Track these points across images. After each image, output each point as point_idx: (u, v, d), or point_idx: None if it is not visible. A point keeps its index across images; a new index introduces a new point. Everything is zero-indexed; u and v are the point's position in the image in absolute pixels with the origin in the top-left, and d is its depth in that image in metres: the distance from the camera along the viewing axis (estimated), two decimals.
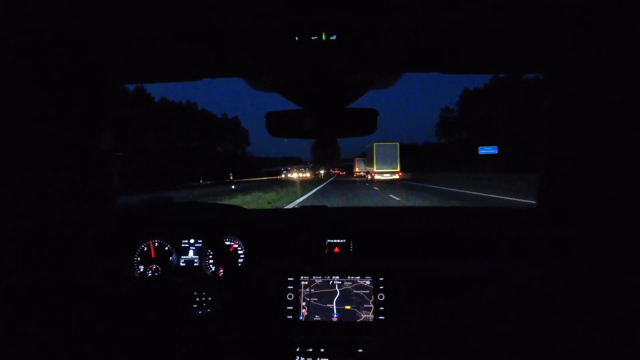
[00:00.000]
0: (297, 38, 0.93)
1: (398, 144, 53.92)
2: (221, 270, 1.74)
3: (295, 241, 1.73)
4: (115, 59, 1.10)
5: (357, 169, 75.67)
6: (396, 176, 50.15)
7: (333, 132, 1.37)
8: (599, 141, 0.38)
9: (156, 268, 1.74)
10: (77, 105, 0.62)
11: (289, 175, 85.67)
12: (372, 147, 54.37)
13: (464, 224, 1.81)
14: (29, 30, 0.61)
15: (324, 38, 0.93)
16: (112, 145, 0.68)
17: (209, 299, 1.57)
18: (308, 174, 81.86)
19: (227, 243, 1.78)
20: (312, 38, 0.93)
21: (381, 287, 1.55)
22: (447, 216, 2.00)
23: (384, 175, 50.38)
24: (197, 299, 1.57)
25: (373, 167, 52.22)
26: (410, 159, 75.56)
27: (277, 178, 77.09)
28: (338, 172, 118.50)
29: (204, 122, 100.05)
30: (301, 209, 1.96)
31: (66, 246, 0.62)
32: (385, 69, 1.16)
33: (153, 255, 1.76)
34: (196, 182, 49.24)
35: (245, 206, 2.02)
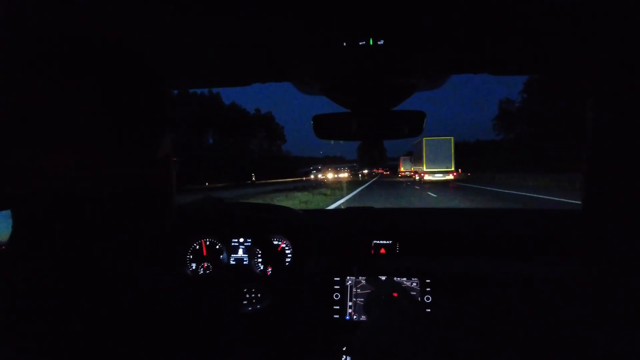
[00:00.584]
0: (345, 44, 0.96)
1: (452, 138, 42.54)
2: (269, 269, 1.80)
3: (342, 242, 1.76)
4: (172, 67, 1.17)
5: (401, 169, 71.99)
6: (450, 176, 40.12)
7: (380, 134, 1.38)
8: None
9: (207, 266, 1.82)
10: (139, 113, 0.67)
11: (320, 175, 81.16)
12: (421, 142, 43.23)
13: (512, 226, 1.77)
14: (92, 44, 0.67)
15: (371, 43, 0.95)
16: (170, 149, 0.73)
17: (258, 295, 1.63)
18: (346, 174, 78.71)
19: (275, 242, 1.83)
20: (360, 43, 0.96)
21: (428, 289, 1.55)
22: (495, 218, 1.96)
23: (436, 175, 40.18)
24: (247, 296, 1.64)
25: (422, 165, 41.73)
26: (463, 157, 63.70)
27: (304, 179, 73.18)
28: (382, 171, 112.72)
29: (232, 116, 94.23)
30: (347, 210, 1.98)
31: (128, 245, 0.67)
32: (433, 71, 1.17)
33: (205, 254, 1.84)
34: (202, 183, 44.73)
35: None
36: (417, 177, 44.03)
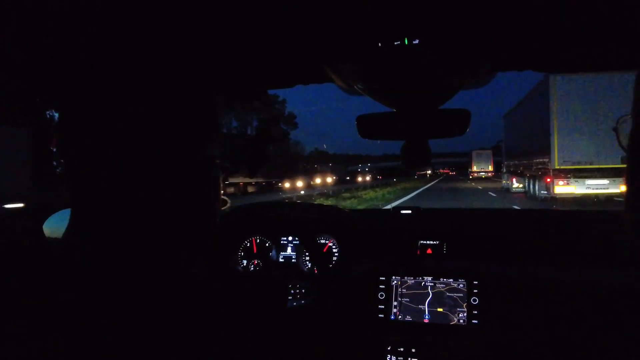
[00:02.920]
0: (380, 44, 0.98)
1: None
2: (316, 268, 1.86)
3: (388, 242, 1.79)
4: (222, 73, 1.25)
5: (474, 167, 61.61)
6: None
7: (424, 134, 1.39)
8: None
9: (257, 263, 1.91)
10: (189, 118, 0.73)
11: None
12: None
13: (561, 228, 1.75)
14: (146, 52, 0.74)
15: (406, 42, 0.97)
16: (218, 154, 0.79)
17: (303, 291, 1.70)
18: (368, 177, 61.62)
19: (322, 242, 1.89)
20: (395, 43, 0.97)
21: (475, 291, 1.54)
22: (543, 220, 1.94)
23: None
24: (292, 292, 1.71)
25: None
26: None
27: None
28: (447, 171, 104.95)
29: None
30: (394, 209, 2.02)
31: (179, 245, 0.73)
32: (477, 69, 1.18)
33: (255, 251, 1.93)
34: None
35: None
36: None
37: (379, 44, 0.99)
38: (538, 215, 2.11)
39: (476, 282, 1.55)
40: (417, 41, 0.97)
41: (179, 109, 0.68)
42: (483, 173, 61.22)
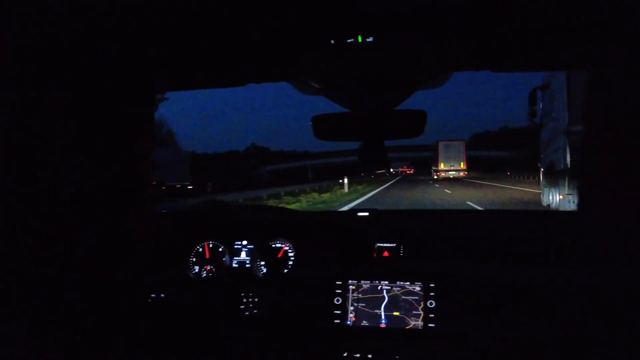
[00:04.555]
0: (332, 41, 0.99)
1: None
2: (271, 273, 1.85)
3: (344, 244, 1.79)
4: (162, 69, 1.22)
5: (441, 165, 49.79)
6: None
7: (380, 135, 1.40)
8: None
9: (210, 269, 1.88)
10: (126, 116, 0.72)
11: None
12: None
13: (517, 228, 1.78)
14: (81, 47, 0.73)
15: (360, 40, 0.98)
16: (151, 151, 0.78)
17: (256, 300, 1.69)
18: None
19: (278, 245, 1.87)
20: (348, 41, 0.98)
21: (432, 294, 1.56)
22: (498, 220, 1.99)
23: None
24: (245, 300, 1.70)
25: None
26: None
27: None
28: (405, 169, 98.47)
29: None
30: (351, 211, 2.04)
31: (110, 244, 0.72)
32: (431, 69, 1.18)
33: (208, 257, 1.89)
34: None
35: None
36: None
37: (332, 42, 0.99)
38: (495, 216, 2.16)
39: (432, 285, 1.57)
40: (370, 39, 0.98)
41: (116, 108, 0.67)
42: (453, 172, 49.15)
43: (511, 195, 20.23)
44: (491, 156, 72.40)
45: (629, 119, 0.38)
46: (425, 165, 73.49)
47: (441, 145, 50.64)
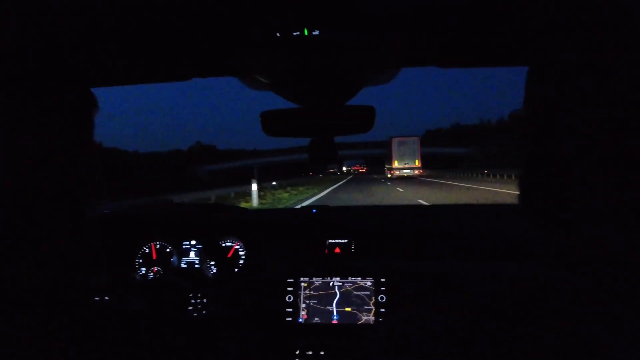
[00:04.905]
0: (278, 34, 0.97)
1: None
2: (221, 272, 1.82)
3: (296, 242, 1.79)
4: (98, 60, 1.14)
5: (395, 163, 47.05)
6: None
7: (330, 131, 1.41)
8: (581, 138, 0.39)
9: (157, 270, 1.83)
10: (60, 110, 0.69)
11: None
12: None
13: (467, 223, 1.84)
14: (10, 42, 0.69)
15: (306, 33, 0.96)
16: (94, 149, 0.75)
17: (204, 301, 1.67)
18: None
19: (228, 244, 1.84)
20: (294, 34, 0.97)
21: (382, 289, 1.58)
22: (450, 215, 2.04)
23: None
24: (193, 301, 1.67)
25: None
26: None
27: None
28: (358, 168, 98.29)
29: None
30: (302, 209, 2.04)
31: (56, 250, 0.70)
32: (379, 64, 1.19)
33: (155, 257, 1.85)
34: None
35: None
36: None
37: (277, 35, 0.98)
38: (445, 211, 2.22)
39: (383, 280, 1.59)
40: (317, 32, 0.96)
41: (50, 99, 0.65)
42: (408, 170, 47.06)
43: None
44: (449, 153, 71.48)
45: (564, 115, 0.39)
46: (379, 163, 70.31)
47: (395, 141, 47.76)
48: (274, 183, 25.68)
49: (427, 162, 56.23)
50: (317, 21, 0.95)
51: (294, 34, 0.96)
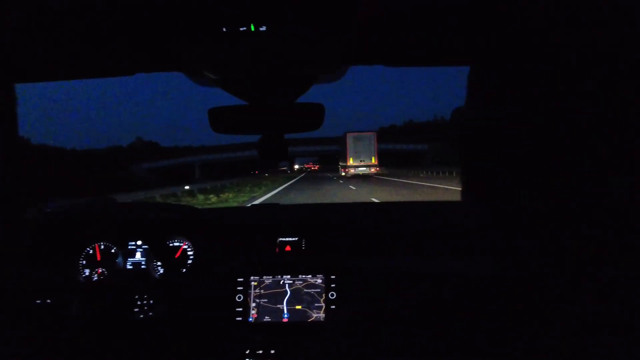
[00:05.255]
0: (224, 29, 0.95)
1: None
2: (169, 273, 1.78)
3: (246, 240, 1.77)
4: (32, 55, 1.10)
5: (350, 160, 43.58)
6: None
7: (279, 128, 1.41)
8: (518, 137, 0.40)
9: (102, 272, 1.77)
10: None
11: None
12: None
13: (415, 220, 1.87)
14: None
15: (253, 29, 0.95)
16: (16, 145, 0.72)
17: (151, 302, 1.63)
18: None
19: (176, 244, 1.81)
20: (241, 29, 0.95)
21: (333, 286, 1.61)
22: (398, 212, 2.09)
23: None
24: (139, 303, 1.63)
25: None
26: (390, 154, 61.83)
27: None
28: (310, 165, 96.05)
29: None
30: (252, 207, 2.03)
31: None
32: (326, 61, 1.19)
33: (99, 259, 1.78)
34: None
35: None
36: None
37: (224, 30, 0.96)
38: (394, 207, 2.26)
39: (334, 277, 1.61)
40: (264, 28, 0.96)
41: None
42: (363, 168, 43.77)
43: None
44: (407, 150, 69.34)
45: (503, 113, 0.40)
46: (333, 161, 66.25)
47: (350, 137, 44.47)
48: (187, 187, 21.61)
49: (384, 160, 53.17)
50: (264, 17, 0.94)
51: (241, 29, 0.95)
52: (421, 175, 41.20)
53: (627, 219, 0.40)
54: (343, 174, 45.12)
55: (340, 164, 48.76)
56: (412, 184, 26.93)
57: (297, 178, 41.89)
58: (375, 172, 43.38)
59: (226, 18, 0.94)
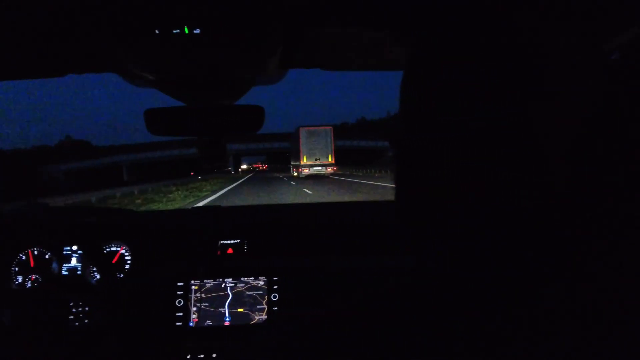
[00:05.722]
0: (157, 31, 0.95)
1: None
2: (105, 279, 1.75)
3: (186, 244, 1.76)
4: None
5: (304, 159, 40.18)
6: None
7: (217, 130, 1.40)
8: (447, 138, 0.40)
9: (36, 278, 1.71)
10: None
11: None
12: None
13: (353, 219, 1.92)
14: None
15: (187, 32, 0.95)
16: None
17: (86, 309, 1.59)
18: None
19: (113, 249, 1.77)
20: (174, 31, 0.95)
21: (275, 287, 1.62)
22: (337, 211, 2.13)
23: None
24: (74, 310, 1.59)
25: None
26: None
27: None
28: (259, 165, 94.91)
29: None
30: (193, 210, 2.01)
31: None
32: (263, 64, 1.19)
33: (32, 265, 1.73)
34: None
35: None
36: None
37: (156, 32, 0.95)
38: (334, 207, 2.30)
39: (276, 278, 1.63)
40: (198, 31, 0.95)
41: None
42: (318, 168, 40.37)
43: None
44: (366, 146, 67.78)
45: (432, 116, 0.40)
46: (284, 160, 59.72)
47: (303, 132, 40.50)
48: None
49: (340, 158, 49.12)
50: (197, 20, 0.93)
51: (174, 31, 0.94)
52: (381, 172, 39.13)
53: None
54: (295, 174, 41.79)
55: (292, 163, 45.19)
56: (370, 184, 26.03)
57: (234, 185, 34.01)
58: (332, 171, 40.46)
59: (159, 20, 0.93)
